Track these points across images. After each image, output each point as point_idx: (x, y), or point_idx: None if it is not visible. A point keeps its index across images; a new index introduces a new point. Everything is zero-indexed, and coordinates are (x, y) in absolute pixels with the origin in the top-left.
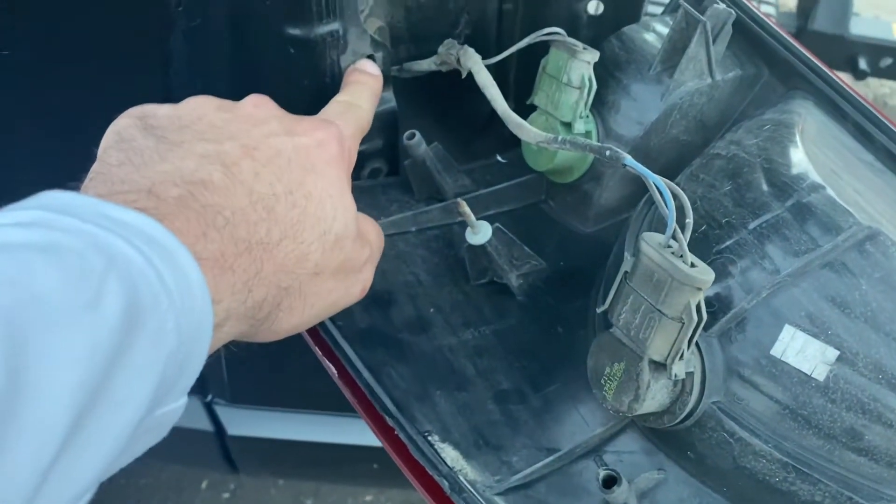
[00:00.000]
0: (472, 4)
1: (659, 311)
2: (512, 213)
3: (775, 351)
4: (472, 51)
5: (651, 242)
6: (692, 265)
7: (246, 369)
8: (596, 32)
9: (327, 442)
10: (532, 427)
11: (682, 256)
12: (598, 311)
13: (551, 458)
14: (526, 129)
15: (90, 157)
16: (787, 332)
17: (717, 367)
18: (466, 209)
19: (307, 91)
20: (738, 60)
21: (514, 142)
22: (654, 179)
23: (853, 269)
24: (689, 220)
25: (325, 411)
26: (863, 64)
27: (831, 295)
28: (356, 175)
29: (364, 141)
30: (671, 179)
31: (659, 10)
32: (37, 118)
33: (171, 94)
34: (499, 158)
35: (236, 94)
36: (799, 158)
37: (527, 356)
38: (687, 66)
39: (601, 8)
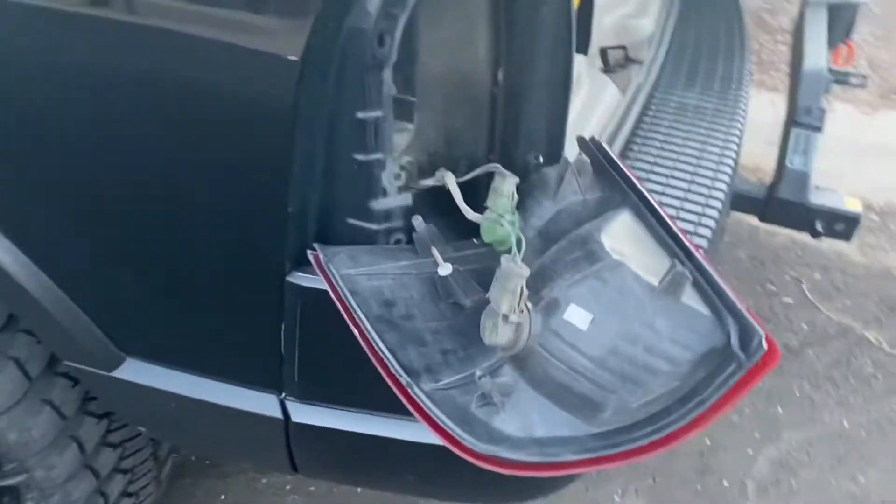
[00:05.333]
0: (468, 153)
1: (505, 288)
2: (476, 268)
3: (565, 315)
4: (450, 174)
5: (505, 258)
6: (520, 266)
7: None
8: (538, 171)
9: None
10: (457, 365)
11: (515, 263)
12: (486, 295)
13: (460, 375)
14: (470, 213)
15: None
16: (572, 307)
17: (537, 323)
18: (435, 252)
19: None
20: (605, 189)
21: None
22: (510, 230)
23: (605, 279)
24: (523, 248)
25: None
26: (819, 227)
27: (593, 291)
28: (385, 241)
29: (393, 220)
30: None
31: None
32: None
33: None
34: (474, 241)
35: None
36: (599, 231)
37: (461, 334)
38: (566, 188)
39: (542, 158)
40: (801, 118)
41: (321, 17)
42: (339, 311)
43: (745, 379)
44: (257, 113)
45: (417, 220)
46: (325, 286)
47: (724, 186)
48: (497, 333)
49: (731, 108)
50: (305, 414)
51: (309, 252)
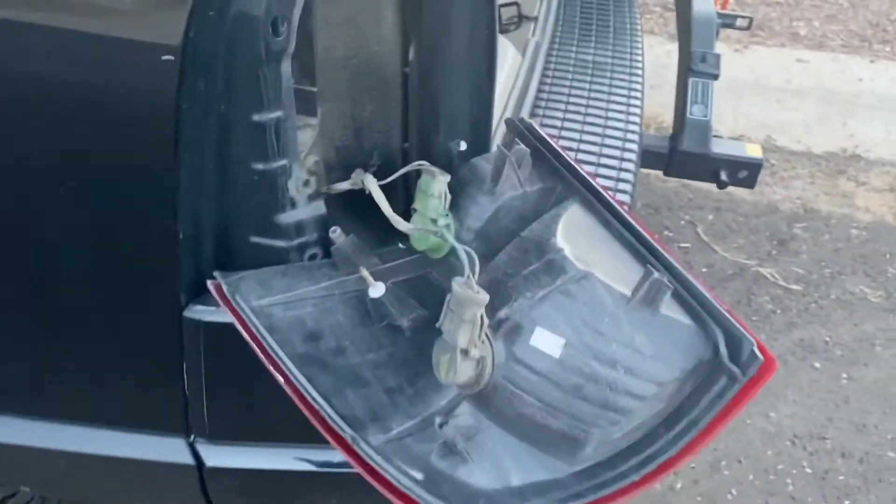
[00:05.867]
0: (381, 144)
1: (462, 319)
2: (409, 280)
3: (532, 342)
4: (370, 176)
5: (457, 282)
6: (477, 292)
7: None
8: (463, 161)
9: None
10: (407, 407)
11: (471, 288)
12: (437, 325)
13: (414, 421)
14: (401, 224)
15: None
16: (538, 331)
17: (500, 353)
18: (365, 273)
19: (267, 204)
20: (544, 178)
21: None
22: (458, 247)
23: (573, 294)
24: (476, 268)
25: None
26: (723, 176)
27: (561, 309)
28: (299, 259)
29: (305, 234)
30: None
31: None
32: None
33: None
34: (400, 245)
35: None
36: (555, 235)
37: (406, 365)
38: (505, 182)
39: (464, 146)
40: (697, 67)
41: (200, 3)
42: (251, 347)
43: (741, 394)
44: (131, 120)
45: (336, 233)
46: (231, 318)
47: (635, 142)
48: (456, 371)
49: (629, 61)
50: (220, 456)
51: (209, 283)
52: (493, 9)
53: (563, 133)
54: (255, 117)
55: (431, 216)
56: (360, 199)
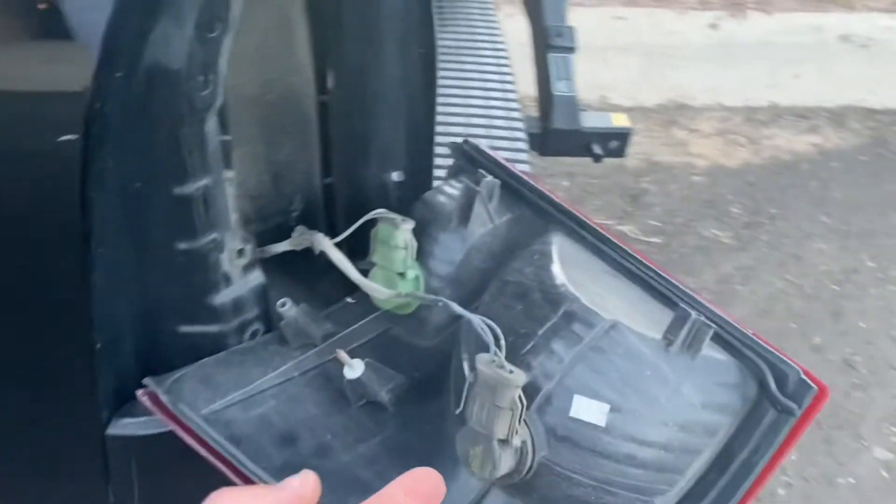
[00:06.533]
0: (302, 186)
1: (497, 405)
2: (369, 342)
3: (573, 413)
4: (321, 235)
5: (483, 362)
6: (511, 371)
7: None
8: (401, 193)
9: None
10: None
11: (502, 367)
12: (457, 412)
13: None
14: (378, 291)
15: None
16: (577, 399)
17: (539, 432)
18: (344, 355)
19: (198, 287)
20: (510, 207)
21: (354, 285)
22: (474, 319)
23: (605, 349)
24: (502, 342)
25: None
26: (596, 149)
27: (596, 369)
28: (238, 340)
29: (245, 311)
30: (478, 295)
31: None
32: None
33: None
34: (348, 300)
35: None
36: (560, 279)
37: (408, 453)
38: (475, 220)
39: (403, 176)
40: (554, 42)
41: (104, 63)
42: (213, 466)
43: (798, 427)
44: (27, 220)
45: (287, 306)
46: (178, 433)
47: (520, 125)
48: (494, 464)
49: (490, 41)
50: None
51: (139, 393)
52: (430, 23)
53: (449, 130)
54: (178, 190)
55: (398, 269)
56: (288, 253)
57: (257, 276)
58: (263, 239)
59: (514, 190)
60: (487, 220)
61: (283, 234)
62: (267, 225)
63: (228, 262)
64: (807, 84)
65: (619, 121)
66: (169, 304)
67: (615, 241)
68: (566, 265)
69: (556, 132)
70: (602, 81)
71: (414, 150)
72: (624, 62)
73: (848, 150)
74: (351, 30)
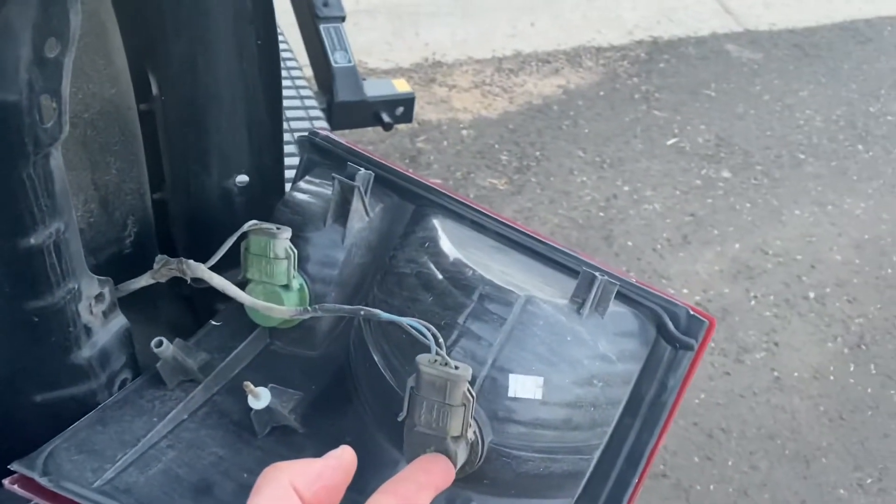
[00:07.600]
0: (133, 207)
1: (448, 404)
2: (252, 363)
3: (511, 393)
4: (193, 262)
5: (425, 361)
6: (456, 367)
7: None
8: (248, 196)
9: None
10: None
11: (447, 365)
12: (400, 419)
13: None
14: (277, 310)
15: None
16: (512, 378)
17: (483, 419)
18: (252, 387)
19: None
20: (378, 196)
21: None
22: (410, 323)
23: (527, 324)
24: (441, 340)
25: None
26: (385, 117)
27: (523, 346)
28: (108, 395)
29: (112, 361)
30: (359, 292)
31: None
32: None
33: None
34: (213, 323)
35: None
36: (463, 262)
37: None
38: (353, 216)
39: (246, 179)
40: (322, 13)
41: None
42: None
43: (696, 359)
44: None
45: (163, 346)
46: None
47: (314, 103)
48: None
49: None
50: None
51: (6, 482)
52: (269, 10)
53: None
54: (24, 242)
55: (282, 282)
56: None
57: (119, 320)
58: (98, 274)
59: (379, 177)
60: (364, 215)
61: (118, 264)
62: (99, 258)
63: (87, 311)
64: (543, 30)
65: (402, 86)
66: (24, 372)
67: (491, 213)
68: (459, 247)
69: (341, 105)
70: (355, 46)
71: (259, 150)
72: (373, 24)
73: (588, 88)
74: (174, 26)
